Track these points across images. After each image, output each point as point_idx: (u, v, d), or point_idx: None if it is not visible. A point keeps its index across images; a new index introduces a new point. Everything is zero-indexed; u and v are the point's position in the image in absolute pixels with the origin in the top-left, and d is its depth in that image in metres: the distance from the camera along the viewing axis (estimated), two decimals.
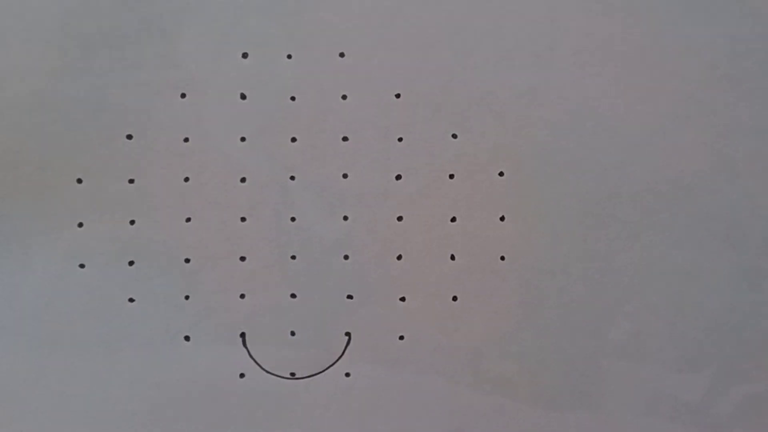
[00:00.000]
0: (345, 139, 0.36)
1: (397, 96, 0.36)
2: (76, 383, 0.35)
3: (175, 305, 0.36)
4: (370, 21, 0.35)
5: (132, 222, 0.35)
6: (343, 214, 0.36)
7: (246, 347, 0.36)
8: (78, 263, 0.35)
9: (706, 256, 0.37)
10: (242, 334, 0.36)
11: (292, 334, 0.36)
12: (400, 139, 0.36)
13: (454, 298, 0.37)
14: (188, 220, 0.36)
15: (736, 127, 0.37)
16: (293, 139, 0.36)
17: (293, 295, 0.36)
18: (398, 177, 0.36)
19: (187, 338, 0.36)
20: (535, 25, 0.36)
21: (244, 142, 0.36)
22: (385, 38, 0.36)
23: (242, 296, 0.36)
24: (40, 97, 0.34)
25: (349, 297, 0.36)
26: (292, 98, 0.36)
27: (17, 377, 0.35)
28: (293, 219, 0.36)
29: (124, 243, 0.35)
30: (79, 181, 0.35)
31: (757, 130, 0.37)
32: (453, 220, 0.36)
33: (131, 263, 0.36)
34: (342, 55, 0.36)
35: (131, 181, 0.35)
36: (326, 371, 0.36)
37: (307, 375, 0.36)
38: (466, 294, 0.37)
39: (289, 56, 0.35)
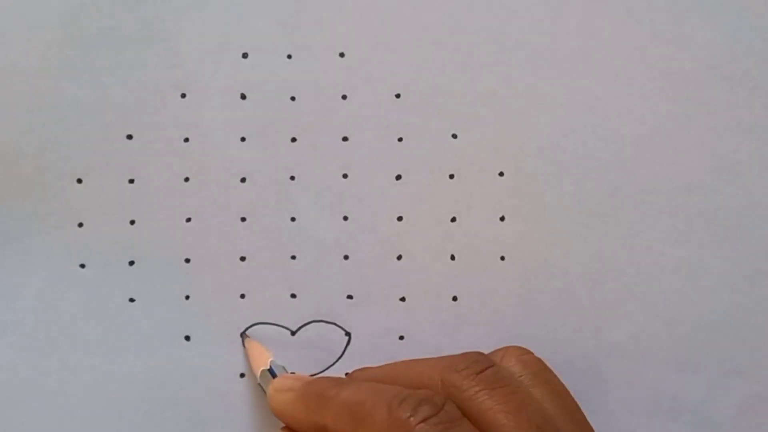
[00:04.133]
0: (345, 139, 0.36)
1: (397, 96, 0.36)
2: (76, 383, 0.35)
3: (175, 305, 0.36)
4: (370, 21, 0.35)
5: (132, 222, 0.35)
6: (343, 214, 0.36)
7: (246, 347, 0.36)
8: (78, 263, 0.35)
9: (706, 256, 0.37)
10: (242, 334, 0.36)
11: (293, 333, 0.36)
12: (400, 139, 0.36)
13: (454, 298, 0.37)
14: (188, 220, 0.36)
15: (736, 127, 0.37)
16: (293, 139, 0.36)
17: (293, 295, 0.36)
18: (398, 177, 0.36)
19: (187, 338, 0.36)
20: (535, 25, 0.36)
21: (244, 142, 0.36)
22: (385, 38, 0.36)
23: (242, 296, 0.36)
24: (40, 97, 0.34)
25: (349, 297, 0.36)
26: (292, 98, 0.36)
27: (17, 377, 0.35)
28: (293, 219, 0.36)
29: (124, 243, 0.35)
30: (79, 181, 0.35)
31: (757, 130, 0.37)
32: (453, 220, 0.36)
33: (131, 263, 0.35)
34: (342, 55, 0.36)
35: (131, 181, 0.35)
36: (326, 371, 0.36)
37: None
38: (466, 294, 0.37)
39: (289, 56, 0.35)
